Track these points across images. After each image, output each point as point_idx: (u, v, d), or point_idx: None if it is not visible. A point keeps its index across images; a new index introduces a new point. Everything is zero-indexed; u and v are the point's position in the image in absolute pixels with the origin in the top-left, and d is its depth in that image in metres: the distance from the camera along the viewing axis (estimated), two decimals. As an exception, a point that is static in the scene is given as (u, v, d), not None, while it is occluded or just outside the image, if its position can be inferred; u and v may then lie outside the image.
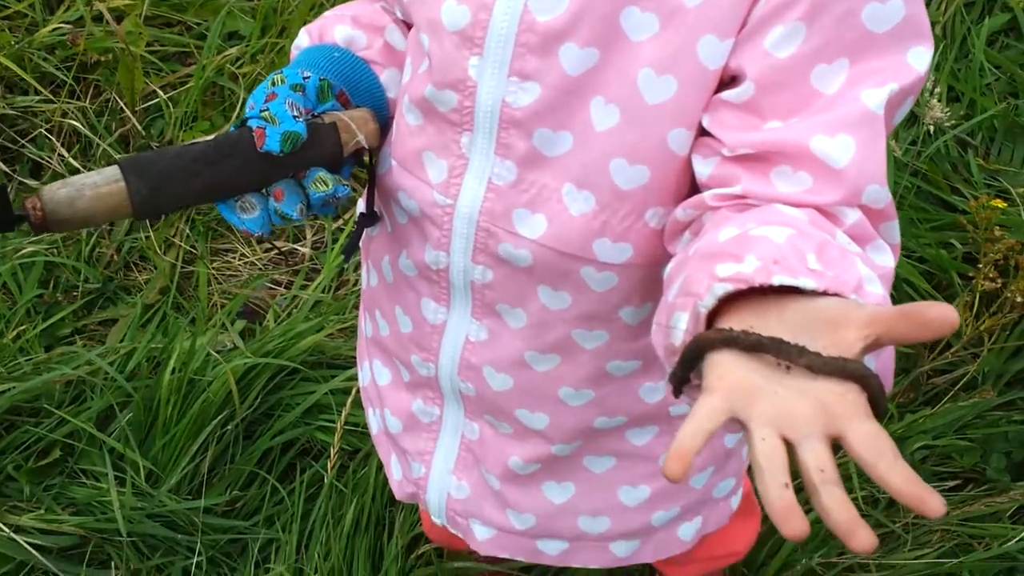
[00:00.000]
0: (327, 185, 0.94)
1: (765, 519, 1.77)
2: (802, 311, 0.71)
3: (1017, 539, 1.74)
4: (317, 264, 2.21)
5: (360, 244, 1.18)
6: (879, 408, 0.67)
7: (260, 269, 2.22)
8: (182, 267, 2.21)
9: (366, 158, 1.03)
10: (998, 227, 1.98)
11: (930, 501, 0.61)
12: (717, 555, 1.53)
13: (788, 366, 0.68)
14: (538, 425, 1.10)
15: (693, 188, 0.92)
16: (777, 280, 0.71)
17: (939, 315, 0.65)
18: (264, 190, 0.95)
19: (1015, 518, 1.80)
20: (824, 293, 0.71)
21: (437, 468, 1.20)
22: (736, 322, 0.72)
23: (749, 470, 1.46)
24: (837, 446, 0.64)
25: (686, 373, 0.73)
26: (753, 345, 0.69)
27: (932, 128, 2.22)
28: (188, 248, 2.24)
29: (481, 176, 0.96)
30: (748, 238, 0.76)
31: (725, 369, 0.68)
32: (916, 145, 2.24)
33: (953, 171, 2.25)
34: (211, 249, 2.25)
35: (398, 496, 1.28)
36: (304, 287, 2.16)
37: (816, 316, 0.70)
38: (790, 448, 0.64)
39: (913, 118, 2.29)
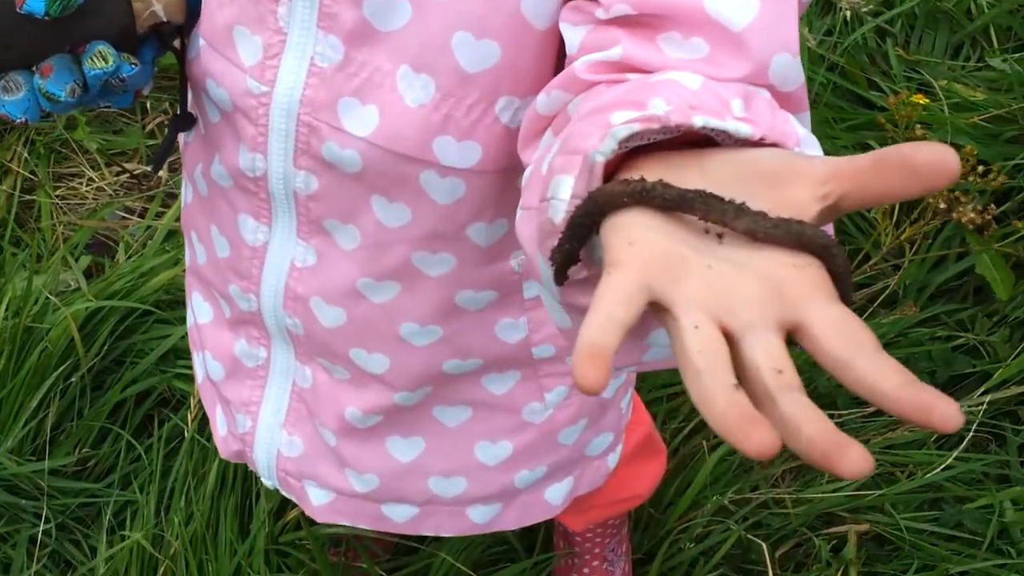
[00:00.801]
0: (107, 61, 0.77)
1: (673, 457, 1.64)
2: (732, 162, 0.56)
3: (943, 467, 1.61)
4: (175, 189, 1.98)
5: (182, 153, 1.01)
6: (845, 293, 0.51)
7: (111, 195, 1.99)
8: (20, 196, 1.98)
9: (177, 43, 0.86)
10: (919, 125, 1.83)
11: (941, 408, 0.44)
12: (619, 499, 1.41)
13: (720, 233, 0.53)
14: (377, 369, 0.96)
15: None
16: (700, 121, 0.56)
17: (931, 158, 0.49)
18: (33, 67, 0.78)
19: (940, 444, 1.66)
20: (759, 144, 0.57)
21: (265, 422, 1.06)
22: (643, 175, 0.55)
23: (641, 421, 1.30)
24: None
25: (576, 244, 0.56)
26: (674, 200, 0.53)
27: (849, 15, 2.04)
28: (27, 175, 2.00)
29: (302, 56, 0.80)
30: (650, 84, 0.61)
31: (636, 234, 0.52)
32: (832, 36, 2.06)
33: (871, 63, 2.08)
34: (54, 174, 2.02)
35: (223, 454, 1.13)
36: (160, 215, 1.94)
37: (752, 169, 0.55)
38: (729, 343, 0.49)
39: (828, 5, 2.11)
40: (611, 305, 0.48)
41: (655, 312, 0.51)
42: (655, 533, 1.62)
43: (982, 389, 1.68)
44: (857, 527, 1.57)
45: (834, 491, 1.60)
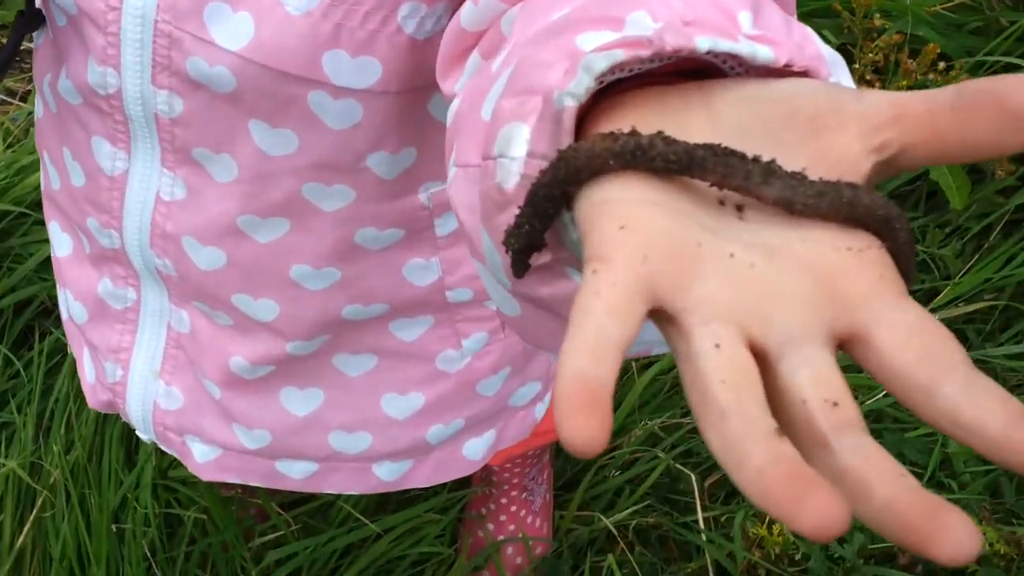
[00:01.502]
0: None
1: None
2: (752, 102, 0.42)
3: (884, 393, 1.51)
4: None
5: (34, 58, 0.86)
6: (907, 280, 0.39)
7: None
8: None
9: None
10: (878, 15, 1.68)
11: None
12: (541, 431, 1.28)
13: (741, 205, 0.40)
14: (265, 316, 0.83)
15: None
16: (705, 44, 0.42)
17: None
18: None
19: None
20: (781, 73, 0.43)
21: (138, 371, 0.93)
22: (633, 124, 0.41)
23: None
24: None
25: (540, 225, 0.42)
26: (680, 161, 0.38)
27: None
28: None
29: None
30: None
31: (629, 213, 0.38)
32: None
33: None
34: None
35: (92, 404, 1.00)
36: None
37: (780, 110, 0.41)
38: (760, 362, 0.36)
39: None
40: (601, 319, 0.34)
41: (655, 321, 0.37)
42: (579, 460, 1.51)
43: (930, 307, 1.57)
44: (792, 457, 1.47)
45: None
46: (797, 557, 1.36)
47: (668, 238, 0.37)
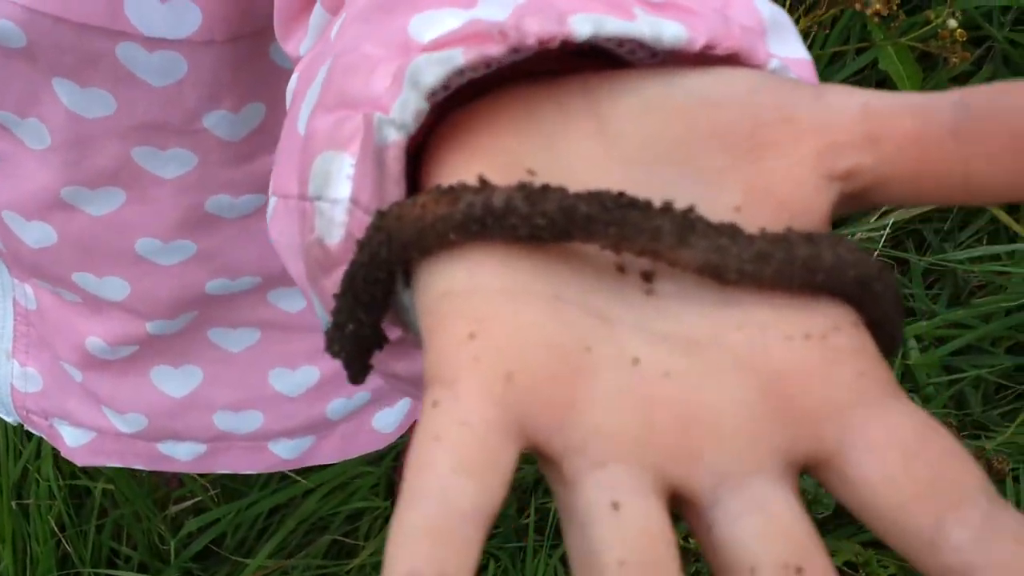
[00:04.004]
0: None
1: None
2: (656, 110, 0.30)
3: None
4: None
5: None
6: (891, 345, 0.28)
7: None
8: None
9: None
10: None
11: None
12: None
13: (649, 274, 0.28)
14: (114, 295, 0.72)
15: None
16: (584, 28, 0.29)
17: None
18: None
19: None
20: (701, 57, 0.30)
21: None
22: (485, 161, 0.29)
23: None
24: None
25: (370, 317, 0.30)
26: (553, 226, 0.27)
27: None
28: None
29: None
30: None
31: (482, 311, 0.27)
32: None
33: None
34: None
35: None
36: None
37: (697, 121, 0.29)
38: (690, 513, 0.26)
39: None
40: (448, 479, 0.23)
41: (542, 465, 0.26)
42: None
43: (884, 208, 1.47)
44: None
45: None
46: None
47: (541, 344, 0.26)
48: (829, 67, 1.55)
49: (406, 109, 0.29)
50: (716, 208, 0.28)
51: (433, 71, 0.29)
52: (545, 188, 0.27)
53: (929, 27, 1.47)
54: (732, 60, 0.30)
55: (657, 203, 0.27)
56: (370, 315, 0.30)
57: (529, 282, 0.27)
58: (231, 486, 1.32)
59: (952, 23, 1.42)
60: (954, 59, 1.43)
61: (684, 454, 0.26)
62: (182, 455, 0.87)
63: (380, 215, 0.28)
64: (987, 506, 0.24)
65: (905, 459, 0.25)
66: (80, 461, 0.87)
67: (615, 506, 0.24)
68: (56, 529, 1.28)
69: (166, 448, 0.86)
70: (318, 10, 0.42)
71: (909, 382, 1.40)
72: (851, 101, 0.28)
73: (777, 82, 0.29)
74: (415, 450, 0.24)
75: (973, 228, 1.50)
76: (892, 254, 1.47)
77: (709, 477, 0.25)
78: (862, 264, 0.27)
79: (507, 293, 0.27)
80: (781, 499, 0.25)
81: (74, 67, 0.59)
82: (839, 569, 1.27)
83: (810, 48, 1.53)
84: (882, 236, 1.44)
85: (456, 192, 0.27)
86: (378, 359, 0.33)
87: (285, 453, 0.89)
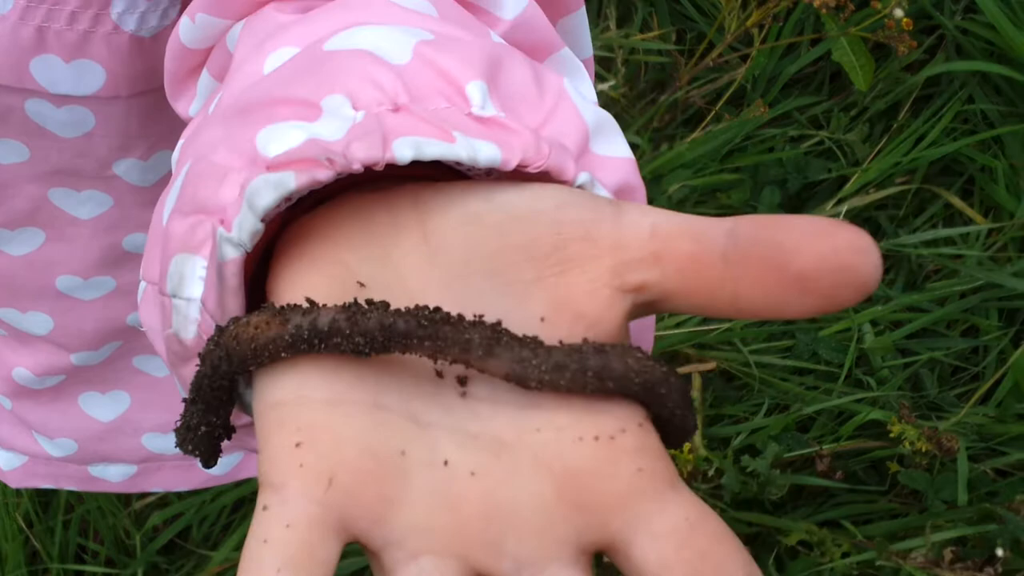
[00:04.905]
0: None
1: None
2: (473, 224, 0.33)
3: (796, 290, 1.43)
4: None
5: None
6: (677, 440, 0.33)
7: None
8: None
9: None
10: None
11: None
12: None
13: (463, 377, 0.32)
14: (39, 330, 0.75)
15: None
16: (406, 152, 0.33)
17: (830, 263, 0.28)
18: None
19: (794, 264, 1.48)
20: (516, 173, 0.34)
21: None
22: (321, 273, 0.33)
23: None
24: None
25: (215, 419, 0.34)
26: (373, 341, 0.31)
27: None
28: None
29: None
30: (334, 57, 0.37)
31: (307, 421, 0.30)
32: None
33: None
34: None
35: None
36: None
37: (512, 240, 0.33)
38: None
39: None
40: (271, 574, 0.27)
41: (367, 555, 0.30)
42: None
43: (838, 197, 1.49)
44: (701, 367, 1.40)
45: (677, 326, 1.42)
46: (710, 473, 1.29)
47: (360, 449, 0.29)
48: (783, 60, 1.57)
49: (243, 229, 0.32)
50: (523, 318, 0.32)
51: (268, 194, 0.32)
52: (368, 307, 0.31)
53: (877, 17, 1.49)
54: (544, 176, 0.33)
55: (469, 317, 0.31)
56: (218, 416, 0.34)
57: (351, 391, 0.31)
58: (195, 480, 1.33)
59: (898, 12, 1.44)
60: (902, 48, 1.45)
61: (488, 544, 0.29)
62: (113, 477, 0.89)
63: (219, 331, 0.32)
64: None
65: (677, 547, 0.28)
66: (13, 484, 0.89)
67: None
68: (24, 526, 1.29)
69: (97, 471, 0.88)
70: (205, 75, 0.45)
71: (864, 366, 1.42)
72: (644, 221, 0.31)
73: (582, 199, 0.33)
74: (245, 552, 0.28)
75: (928, 213, 1.52)
76: (847, 241, 1.49)
77: (511, 564, 0.29)
78: (648, 371, 0.31)
79: (330, 403, 0.30)
80: None
81: None
82: (793, 548, 1.28)
83: (764, 41, 1.55)
84: (836, 223, 1.46)
85: (286, 314, 0.31)
86: (238, 439, 0.37)
87: (215, 469, 0.90)
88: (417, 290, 0.32)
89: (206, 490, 1.31)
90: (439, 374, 0.32)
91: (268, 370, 0.31)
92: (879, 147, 1.53)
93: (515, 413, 0.31)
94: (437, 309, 0.31)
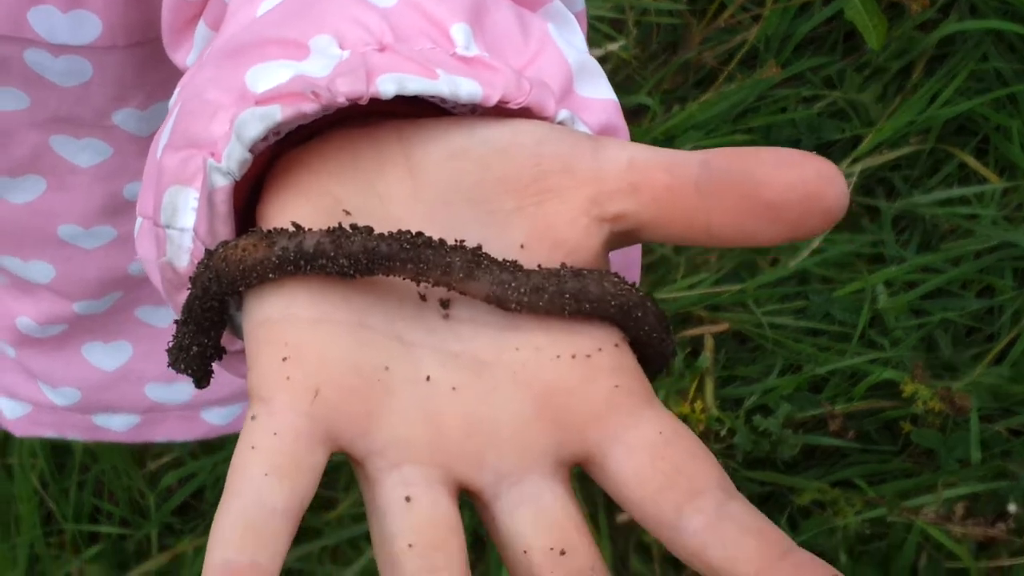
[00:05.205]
0: None
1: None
2: (456, 158, 0.35)
3: (811, 250, 1.43)
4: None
5: None
6: (656, 364, 0.34)
7: None
8: None
9: None
10: None
11: None
12: None
13: (446, 300, 0.33)
14: (40, 278, 0.76)
15: None
16: (389, 87, 0.34)
17: (799, 191, 0.29)
18: None
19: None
20: (499, 110, 0.35)
21: None
22: (309, 202, 0.34)
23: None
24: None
25: (207, 340, 0.36)
26: (358, 263, 0.32)
27: None
28: None
29: None
30: (319, 0, 0.38)
31: (294, 338, 0.32)
32: None
33: None
34: None
35: None
36: None
37: (493, 172, 0.34)
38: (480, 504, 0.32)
39: None
40: (260, 482, 0.28)
41: (352, 465, 0.32)
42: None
43: (852, 157, 1.48)
44: (714, 328, 1.40)
45: (689, 288, 1.42)
46: (722, 433, 1.29)
47: (345, 365, 0.31)
48: (796, 20, 1.56)
49: (231, 159, 0.33)
50: (504, 245, 0.33)
51: (255, 126, 0.33)
52: (352, 231, 0.32)
53: (892, -25, 1.48)
54: (526, 113, 0.35)
55: (450, 241, 0.32)
56: (209, 337, 0.35)
57: (337, 311, 0.32)
58: (208, 441, 1.34)
59: (913, -31, 1.43)
60: (915, 7, 1.44)
61: (469, 456, 0.31)
62: (117, 426, 0.91)
63: (209, 255, 0.33)
64: (721, 497, 0.29)
65: (652, 459, 0.30)
66: (19, 432, 0.91)
67: (407, 499, 0.30)
68: (39, 487, 1.30)
69: (101, 420, 0.90)
70: (201, 26, 0.47)
71: (878, 327, 1.41)
72: (621, 154, 0.33)
73: (561, 134, 0.34)
74: (235, 457, 0.29)
75: (943, 173, 1.51)
76: (862, 201, 1.48)
77: (491, 476, 0.31)
78: (624, 295, 0.32)
79: (317, 322, 0.32)
80: (551, 494, 0.31)
81: None
82: (806, 508, 1.28)
83: (776, 0, 1.55)
84: (851, 184, 1.45)
85: (273, 237, 0.32)
86: (229, 365, 0.38)
87: (218, 420, 0.92)
88: (401, 219, 0.34)
89: (219, 451, 1.32)
90: (422, 297, 0.33)
91: (257, 291, 0.33)
92: (893, 107, 1.51)
93: (495, 334, 0.32)
94: (419, 233, 0.32)
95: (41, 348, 0.82)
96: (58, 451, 1.34)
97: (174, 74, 0.63)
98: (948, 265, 1.43)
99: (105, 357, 0.84)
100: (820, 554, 1.13)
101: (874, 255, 1.47)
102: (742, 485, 1.21)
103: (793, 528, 1.24)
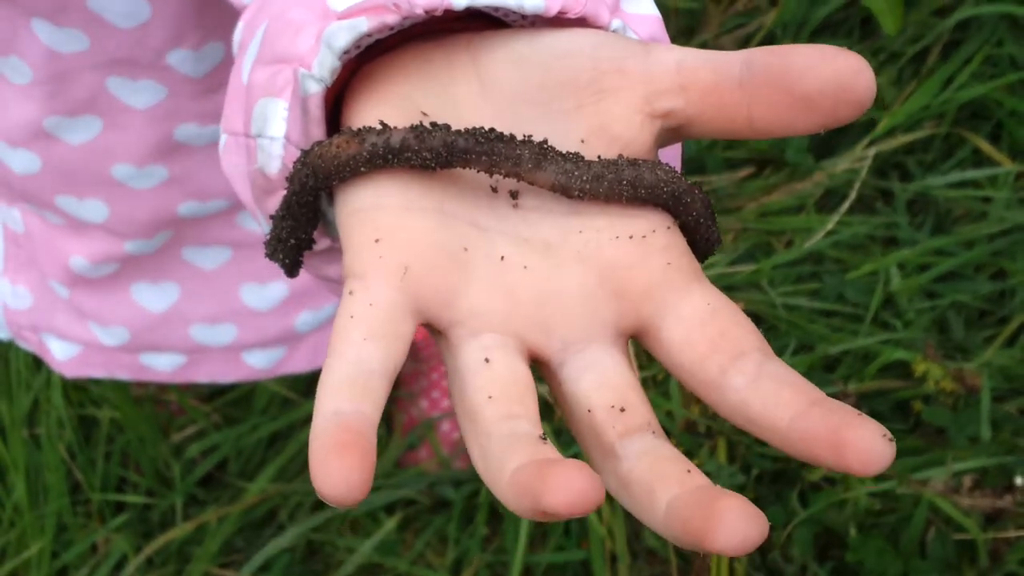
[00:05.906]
0: None
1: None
2: (524, 63, 0.38)
3: (825, 232, 1.45)
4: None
5: None
6: (703, 249, 0.39)
7: None
8: None
9: None
10: None
11: (857, 440, 0.31)
12: None
13: (515, 191, 0.37)
14: (95, 217, 0.80)
15: None
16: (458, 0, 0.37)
17: (831, 82, 0.33)
18: None
19: (822, 207, 1.49)
20: (557, 20, 0.39)
21: None
22: (389, 105, 0.38)
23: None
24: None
25: (302, 233, 0.39)
26: (438, 157, 0.36)
27: None
28: None
29: None
30: None
31: (385, 223, 0.36)
32: None
33: None
34: None
35: None
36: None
37: (554, 75, 0.38)
38: (546, 371, 0.36)
39: None
40: (360, 345, 0.32)
41: (432, 335, 0.36)
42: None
43: (867, 141, 1.50)
44: (729, 307, 1.42)
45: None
46: (736, 410, 1.31)
47: (430, 246, 0.35)
48: (813, 5, 1.58)
49: (323, 67, 0.37)
50: (566, 141, 0.37)
51: (344, 36, 0.36)
52: (432, 128, 0.35)
53: (909, -40, 1.49)
54: (582, 23, 0.38)
55: (519, 136, 0.36)
56: (304, 230, 0.39)
57: (421, 199, 0.36)
58: (232, 414, 1.37)
59: (929, -45, 1.45)
60: (932, -9, 1.45)
61: (540, 326, 0.35)
62: (162, 366, 0.94)
63: (305, 153, 0.37)
64: (760, 358, 0.33)
65: (701, 326, 0.34)
66: (69, 373, 0.94)
67: (487, 361, 0.34)
68: (67, 458, 1.33)
69: (147, 359, 0.93)
70: None
71: (891, 309, 1.43)
72: (670, 57, 0.36)
73: (615, 40, 0.38)
74: (336, 326, 0.33)
75: (957, 158, 1.52)
76: (877, 184, 1.50)
77: (558, 343, 0.35)
78: (675, 182, 0.36)
79: (404, 208, 0.36)
80: (612, 360, 0.35)
81: (49, 9, 0.65)
82: (816, 484, 1.30)
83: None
84: (865, 167, 1.47)
85: (363, 134, 0.36)
86: (314, 266, 0.43)
87: (259, 363, 0.95)
88: (472, 120, 0.37)
89: (241, 423, 1.34)
90: (494, 189, 0.37)
91: (349, 184, 0.36)
92: (908, 91, 1.53)
93: (560, 219, 0.36)
94: (492, 129, 0.36)
95: (93, 288, 0.85)
96: (85, 422, 1.37)
97: (228, 15, 0.66)
98: (961, 248, 1.45)
99: (153, 297, 0.87)
100: (829, 528, 1.14)
101: (888, 238, 1.49)
102: (754, 462, 1.24)
103: (804, 505, 1.26)
